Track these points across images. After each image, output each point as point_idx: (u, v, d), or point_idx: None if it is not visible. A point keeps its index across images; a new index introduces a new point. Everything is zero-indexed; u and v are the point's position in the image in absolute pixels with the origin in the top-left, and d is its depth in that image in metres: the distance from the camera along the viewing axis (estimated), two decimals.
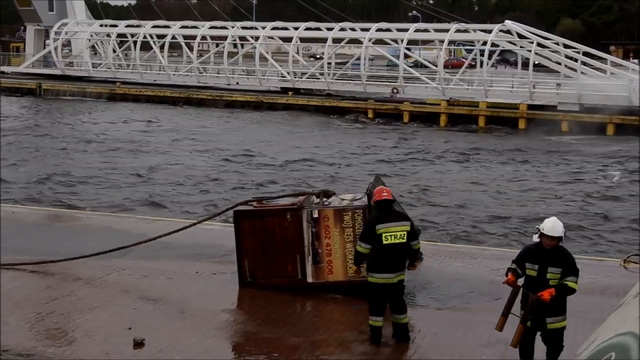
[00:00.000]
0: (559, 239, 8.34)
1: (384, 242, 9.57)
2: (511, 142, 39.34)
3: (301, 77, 58.04)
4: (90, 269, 12.52)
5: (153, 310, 10.95)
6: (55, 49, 67.65)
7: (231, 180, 27.12)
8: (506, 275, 8.48)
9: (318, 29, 60.49)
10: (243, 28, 63.61)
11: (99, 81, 64.47)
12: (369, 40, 55.49)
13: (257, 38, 60.28)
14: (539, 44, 48.74)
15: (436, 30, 56.88)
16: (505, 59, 79.75)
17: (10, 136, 37.62)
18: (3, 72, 70.25)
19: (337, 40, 58.15)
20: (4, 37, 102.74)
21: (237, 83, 60.31)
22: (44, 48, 71.52)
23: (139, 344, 9.47)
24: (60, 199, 23.02)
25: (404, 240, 9.64)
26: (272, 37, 62.39)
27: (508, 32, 51.40)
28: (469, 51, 61.14)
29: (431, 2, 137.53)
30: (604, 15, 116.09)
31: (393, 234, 9.58)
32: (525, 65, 51.70)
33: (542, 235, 8.35)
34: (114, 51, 67.56)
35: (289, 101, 53.63)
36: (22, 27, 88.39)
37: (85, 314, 10.61)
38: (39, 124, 44.20)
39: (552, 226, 8.32)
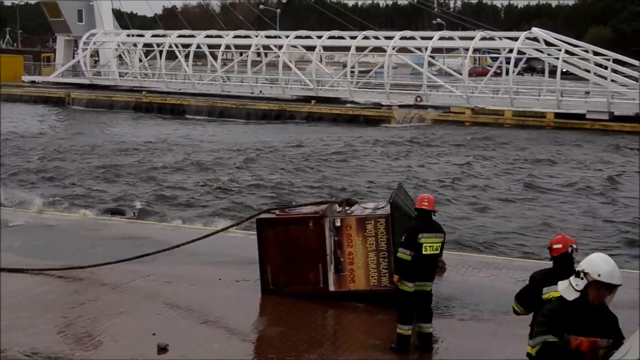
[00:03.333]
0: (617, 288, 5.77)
1: (424, 252, 9.65)
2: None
3: (324, 86, 58.24)
4: (117, 275, 12.73)
5: (177, 316, 11.13)
6: (84, 58, 68.51)
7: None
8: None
9: (341, 37, 60.66)
10: (267, 37, 63.97)
11: (126, 90, 65.07)
12: (393, 48, 55.53)
13: (280, 47, 60.57)
14: (567, 52, 48.38)
15: (461, 38, 56.67)
16: (532, 66, 79.37)
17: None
18: (34, 82, 71.26)
19: (360, 49, 58.27)
20: (35, 47, 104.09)
21: (261, 92, 60.61)
22: (73, 58, 72.44)
23: (162, 349, 9.65)
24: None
25: (438, 252, 9.79)
26: (295, 46, 62.67)
27: (535, 39, 51.09)
28: (495, 59, 60.96)
29: (453, 9, 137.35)
30: (634, 21, 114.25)
31: (431, 244, 9.69)
32: (552, 73, 51.46)
33: (594, 284, 5.64)
34: (140, 60, 68.29)
35: (312, 110, 53.78)
36: (52, 38, 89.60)
37: (111, 318, 10.81)
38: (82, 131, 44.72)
39: (612, 270, 5.67)
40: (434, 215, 10.00)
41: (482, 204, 24.34)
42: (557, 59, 48.63)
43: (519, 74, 57.27)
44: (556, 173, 30.92)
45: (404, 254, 9.66)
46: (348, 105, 54.50)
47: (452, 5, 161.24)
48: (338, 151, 36.32)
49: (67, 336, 10.17)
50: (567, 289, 5.72)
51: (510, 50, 51.21)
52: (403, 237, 9.84)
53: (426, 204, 9.89)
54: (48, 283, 12.50)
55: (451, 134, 43.47)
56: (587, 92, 48.71)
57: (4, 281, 12.38)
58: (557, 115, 46.31)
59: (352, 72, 57.63)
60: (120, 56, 71.86)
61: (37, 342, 9.82)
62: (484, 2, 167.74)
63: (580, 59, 48.86)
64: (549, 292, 6.97)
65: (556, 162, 33.76)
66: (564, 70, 49.58)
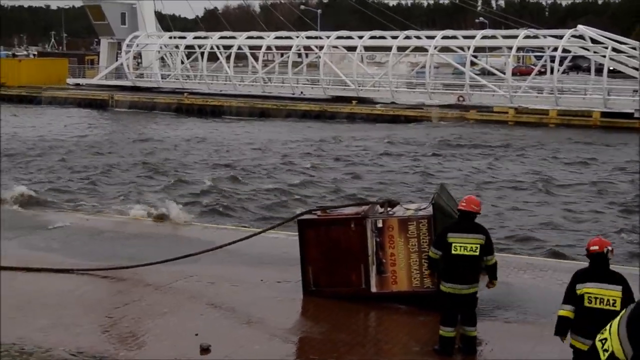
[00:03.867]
0: None
1: (453, 251, 9.60)
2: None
3: (365, 86, 58.16)
4: (159, 276, 12.84)
5: (219, 316, 11.18)
6: (127, 61, 69.32)
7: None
8: None
9: (383, 37, 60.52)
10: (307, 38, 64.08)
11: (168, 92, 65.66)
12: (435, 47, 55.24)
13: (321, 47, 60.63)
14: (614, 49, 47.66)
15: (504, 37, 56.09)
16: (578, 65, 78.35)
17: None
18: (78, 84, 72.32)
19: (402, 49, 58.07)
20: (80, 50, 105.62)
21: (302, 93, 60.74)
22: (117, 60, 73.35)
23: (205, 350, 9.70)
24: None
25: (476, 254, 9.58)
26: (336, 46, 62.69)
27: (581, 37, 50.40)
28: (539, 58, 60.25)
29: (496, 7, 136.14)
30: None
31: (463, 245, 9.58)
32: (599, 71, 50.73)
33: None
34: (182, 62, 68.89)
35: (353, 110, 53.75)
36: (96, 41, 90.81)
37: (155, 319, 10.90)
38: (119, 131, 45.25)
39: None
40: (475, 216, 9.85)
41: (518, 205, 24.10)
42: (604, 56, 47.85)
43: (564, 72, 56.61)
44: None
45: (431, 252, 9.94)
46: (389, 105, 54.37)
47: (494, 3, 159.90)
48: (376, 151, 36.23)
49: (112, 336, 10.28)
50: None
51: (555, 49, 50.56)
52: (435, 236, 10.14)
53: (464, 204, 9.84)
54: (93, 283, 12.66)
55: (491, 134, 43.10)
56: (636, 90, 47.79)
57: (52, 281, 12.56)
58: (604, 114, 45.59)
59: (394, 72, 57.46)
60: (162, 58, 72.56)
61: (83, 341, 9.94)
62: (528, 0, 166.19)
63: (628, 56, 48.05)
64: (581, 289, 7.88)
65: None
66: (611, 68, 48.79)
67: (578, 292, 7.88)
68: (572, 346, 7.96)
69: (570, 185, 27.99)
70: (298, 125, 48.92)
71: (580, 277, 7.89)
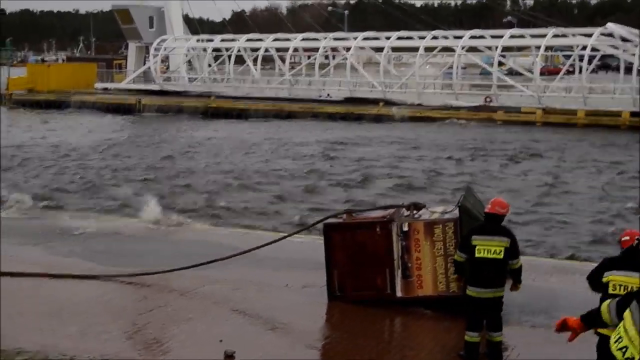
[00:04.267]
0: None
1: (476, 254, 9.47)
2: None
3: (392, 87, 57.99)
4: (185, 281, 12.82)
5: (244, 322, 11.15)
6: (155, 64, 69.70)
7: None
8: None
9: (410, 38, 60.30)
10: (335, 39, 64.03)
11: (195, 95, 65.91)
12: (462, 48, 54.93)
13: (348, 49, 60.55)
14: None
15: (532, 36, 55.59)
16: (607, 64, 77.43)
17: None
18: (106, 89, 72.87)
19: (429, 49, 57.81)
20: (108, 54, 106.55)
21: (329, 95, 60.68)
22: (144, 64, 73.77)
23: (229, 357, 9.64)
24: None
25: (500, 257, 9.43)
26: (363, 48, 62.56)
27: (610, 35, 49.82)
28: (567, 57, 59.66)
29: (523, 6, 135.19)
30: None
31: (487, 247, 9.44)
32: (628, 70, 50.12)
33: None
34: (209, 65, 69.13)
35: (380, 112, 53.61)
36: (125, 44, 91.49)
37: (180, 325, 10.89)
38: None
39: None
40: (501, 219, 9.71)
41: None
42: (634, 55, 47.30)
43: (592, 71, 55.95)
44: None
45: (457, 254, 9.91)
46: (416, 106, 54.15)
47: (522, 2, 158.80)
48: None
49: (137, 342, 10.29)
50: None
51: (584, 47, 50.02)
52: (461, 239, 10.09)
53: (489, 206, 9.75)
54: (118, 289, 12.68)
55: (516, 135, 42.79)
56: None
57: (78, 287, 12.61)
58: (634, 114, 45.03)
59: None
60: (189, 61, 72.86)
61: (108, 348, 9.95)
62: None
63: None
64: (607, 277, 7.70)
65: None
66: None
67: (604, 280, 7.73)
68: (597, 333, 7.70)
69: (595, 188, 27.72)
70: (321, 126, 48.88)
71: (608, 264, 7.84)
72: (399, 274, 11.65)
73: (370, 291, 11.70)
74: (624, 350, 5.45)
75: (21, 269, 13.43)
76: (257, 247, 13.50)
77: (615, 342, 5.56)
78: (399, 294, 11.64)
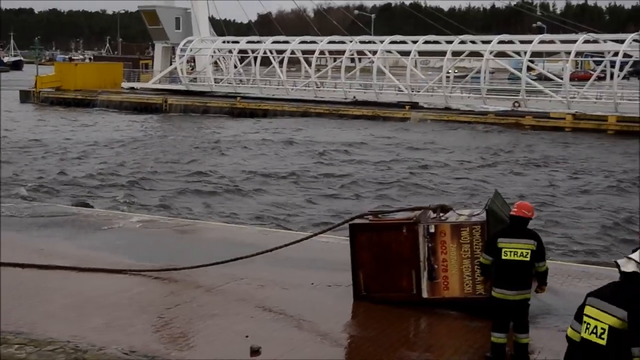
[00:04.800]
0: None
1: (503, 257, 9.46)
2: None
3: (419, 91, 57.88)
4: (211, 278, 12.89)
5: (269, 319, 11.18)
6: (181, 65, 70.09)
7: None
8: None
9: (437, 42, 60.15)
10: (361, 42, 64.03)
11: (220, 96, 66.21)
12: (490, 52, 54.70)
13: (374, 52, 60.53)
14: None
15: (562, 42, 55.23)
16: (639, 70, 76.82)
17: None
18: (133, 88, 73.38)
19: (456, 54, 57.62)
20: (134, 54, 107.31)
21: (354, 97, 60.71)
22: (170, 64, 74.21)
23: (255, 352, 9.70)
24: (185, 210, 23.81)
25: (527, 259, 9.43)
26: (390, 51, 62.51)
27: None
28: (598, 63, 59.17)
29: (553, 11, 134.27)
30: None
31: (513, 250, 9.43)
32: None
33: None
34: (235, 66, 69.41)
35: (406, 115, 53.54)
36: (151, 44, 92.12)
37: (206, 320, 10.95)
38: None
39: None
40: (527, 222, 9.68)
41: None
42: None
43: (624, 78, 55.47)
44: None
45: (482, 257, 9.86)
46: (443, 110, 54.06)
47: (551, 7, 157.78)
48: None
49: (163, 336, 10.36)
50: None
51: (616, 54, 49.64)
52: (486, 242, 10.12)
53: (515, 210, 9.74)
54: (145, 284, 12.77)
55: (544, 140, 42.55)
56: None
57: (105, 281, 12.73)
58: None
59: (448, 77, 57.10)
60: (215, 62, 73.21)
61: (135, 341, 10.03)
62: (588, 3, 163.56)
63: None
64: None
65: None
66: None
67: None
68: None
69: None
70: (345, 127, 48.90)
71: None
72: (425, 275, 11.63)
73: (395, 292, 11.69)
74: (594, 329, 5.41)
75: (49, 262, 13.62)
76: (283, 246, 13.51)
77: (586, 331, 5.51)
78: (424, 295, 11.62)
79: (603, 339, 5.38)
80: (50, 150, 37.78)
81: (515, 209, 9.73)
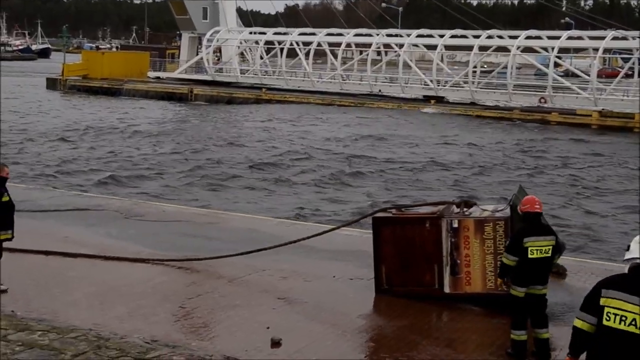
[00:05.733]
0: None
1: (530, 256, 9.35)
2: None
3: (445, 85, 57.63)
4: (233, 268, 12.93)
5: (291, 311, 11.19)
6: (207, 55, 70.26)
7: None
8: None
9: (464, 36, 59.83)
10: (388, 35, 63.81)
11: (246, 87, 66.32)
12: (517, 48, 54.32)
13: (401, 45, 60.33)
14: None
15: (590, 38, 54.71)
16: None
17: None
18: (159, 78, 73.65)
19: (483, 48, 57.31)
20: (161, 44, 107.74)
21: (380, 91, 60.58)
22: (197, 55, 74.41)
23: (276, 344, 9.71)
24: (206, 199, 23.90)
25: (549, 255, 9.45)
26: (416, 45, 62.26)
27: None
28: (626, 60, 58.59)
29: (583, 7, 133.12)
30: None
31: (539, 248, 9.37)
32: None
33: None
34: (261, 58, 69.47)
35: (431, 109, 53.39)
36: (178, 34, 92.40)
37: (227, 311, 10.98)
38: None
39: None
40: (542, 216, 9.71)
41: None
42: None
43: None
44: None
45: (507, 258, 9.51)
46: (468, 105, 53.82)
47: (582, 3, 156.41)
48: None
49: (185, 326, 10.40)
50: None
51: None
52: (508, 241, 9.86)
53: (538, 207, 9.60)
54: (168, 274, 12.83)
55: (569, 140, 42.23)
56: None
57: (128, 270, 12.80)
58: None
59: (474, 72, 56.82)
60: (242, 53, 73.30)
61: (157, 330, 10.08)
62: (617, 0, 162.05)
63: None
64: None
65: None
66: None
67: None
68: None
69: None
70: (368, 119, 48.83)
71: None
72: (447, 270, 11.60)
73: (418, 286, 11.67)
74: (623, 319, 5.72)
75: (74, 250, 13.70)
76: (305, 238, 13.52)
77: (613, 321, 5.78)
78: (447, 290, 11.59)
79: (637, 327, 5.67)
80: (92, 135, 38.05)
81: (538, 206, 9.60)
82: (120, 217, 16.88)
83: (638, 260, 5.93)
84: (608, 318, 5.83)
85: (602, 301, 5.91)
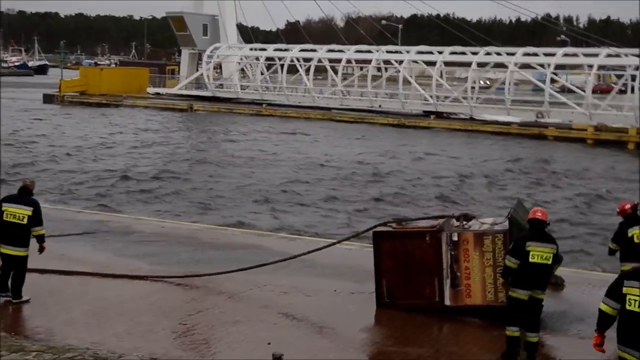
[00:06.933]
0: None
1: (530, 260, 9.81)
2: None
3: (444, 101, 57.77)
4: (233, 284, 12.90)
5: (292, 326, 11.17)
6: (207, 71, 70.38)
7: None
8: None
9: (463, 53, 60.06)
10: (388, 52, 63.98)
11: (247, 102, 66.41)
12: (515, 64, 54.58)
13: (401, 62, 60.50)
14: None
15: (585, 55, 55.16)
16: None
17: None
18: (158, 94, 73.69)
19: (481, 65, 57.47)
20: (161, 60, 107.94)
21: (380, 106, 60.71)
22: (197, 71, 74.53)
23: (278, 359, 9.68)
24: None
25: (549, 262, 9.87)
26: (416, 61, 62.45)
27: None
28: (620, 76, 58.93)
29: (577, 26, 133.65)
30: None
31: (540, 253, 9.82)
32: None
33: None
34: (262, 74, 69.59)
35: (431, 125, 53.49)
36: (178, 51, 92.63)
37: (228, 327, 10.95)
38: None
39: None
40: (546, 227, 10.12)
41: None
42: None
43: None
44: None
45: (509, 260, 10.04)
46: (468, 120, 53.98)
47: (575, 21, 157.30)
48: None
49: (185, 343, 10.36)
50: None
51: (637, 68, 49.55)
52: (511, 245, 10.32)
53: (540, 214, 10.11)
54: (167, 290, 12.78)
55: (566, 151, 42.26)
56: None
57: (127, 287, 12.75)
58: None
59: (473, 88, 57.01)
60: (242, 69, 73.43)
61: (156, 347, 10.03)
62: (611, 19, 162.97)
63: None
64: (632, 231, 11.23)
65: None
66: None
67: (629, 234, 11.00)
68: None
69: None
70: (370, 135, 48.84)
71: (627, 223, 8.74)
72: (447, 283, 11.62)
73: (418, 299, 11.69)
74: None
75: (71, 267, 13.62)
76: (306, 253, 13.53)
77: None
78: (447, 302, 11.62)
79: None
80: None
81: (540, 214, 10.11)
82: (116, 234, 16.82)
83: None
84: (630, 304, 7.28)
85: (624, 290, 7.38)
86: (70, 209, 21.02)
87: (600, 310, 7.65)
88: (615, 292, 7.52)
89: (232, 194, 26.85)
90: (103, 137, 43.95)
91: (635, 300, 7.26)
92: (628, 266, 10.60)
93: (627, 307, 7.31)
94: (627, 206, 11.77)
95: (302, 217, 23.14)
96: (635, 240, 11.34)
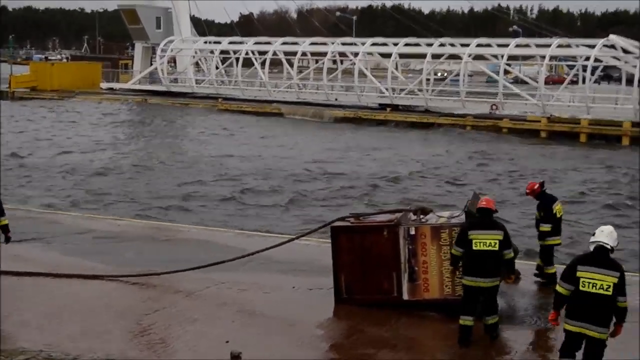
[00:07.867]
0: None
1: (474, 247, 10.10)
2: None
3: (399, 94, 57.97)
4: (190, 282, 12.77)
5: (250, 324, 11.09)
6: (161, 65, 69.67)
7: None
8: None
9: (417, 44, 60.29)
10: (343, 44, 63.96)
11: (202, 97, 65.95)
12: (469, 55, 54.93)
13: (356, 54, 60.53)
14: None
15: (537, 46, 55.69)
16: (609, 74, 77.47)
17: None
18: (112, 89, 72.77)
19: (436, 56, 57.79)
20: (114, 54, 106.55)
21: (336, 99, 60.71)
22: (151, 65, 73.73)
23: (236, 357, 9.56)
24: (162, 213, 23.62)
25: (495, 248, 10.09)
26: (371, 53, 62.53)
27: (612, 46, 50.03)
28: (571, 67, 59.74)
29: (528, 16, 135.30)
30: None
31: (482, 240, 10.09)
32: (630, 81, 50.24)
33: None
34: (217, 67, 69.10)
35: (387, 117, 53.68)
36: (130, 45, 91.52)
37: (185, 326, 10.84)
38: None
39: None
40: (493, 213, 10.44)
41: None
42: (635, 66, 47.47)
43: (595, 82, 55.98)
44: None
45: (454, 249, 10.47)
46: (423, 113, 54.27)
47: (528, 13, 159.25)
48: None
49: (141, 343, 10.23)
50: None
51: (587, 58, 50.18)
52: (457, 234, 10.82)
53: (484, 203, 10.43)
54: (123, 289, 12.61)
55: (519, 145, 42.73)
56: None
57: (81, 287, 12.54)
58: (635, 124, 45.06)
59: (428, 80, 57.26)
60: (197, 63, 72.84)
61: (112, 348, 9.90)
62: (560, 9, 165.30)
63: None
64: (555, 207, 12.78)
65: None
66: None
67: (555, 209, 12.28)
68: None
69: None
70: (326, 131, 48.89)
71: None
72: (405, 277, 11.64)
73: (377, 294, 11.68)
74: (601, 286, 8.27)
75: (24, 268, 13.31)
76: (264, 250, 13.45)
77: (591, 287, 8.30)
78: (405, 297, 11.64)
79: (609, 291, 8.27)
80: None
81: (484, 202, 10.41)
82: (71, 233, 16.54)
83: (600, 243, 8.40)
84: (583, 285, 8.33)
85: (578, 274, 8.38)
86: (20, 207, 20.57)
87: (555, 291, 8.68)
88: (569, 276, 8.48)
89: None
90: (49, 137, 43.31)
91: (589, 282, 8.29)
92: (554, 240, 12.68)
93: (581, 288, 8.34)
94: (536, 186, 12.87)
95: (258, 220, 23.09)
96: (557, 215, 12.59)
